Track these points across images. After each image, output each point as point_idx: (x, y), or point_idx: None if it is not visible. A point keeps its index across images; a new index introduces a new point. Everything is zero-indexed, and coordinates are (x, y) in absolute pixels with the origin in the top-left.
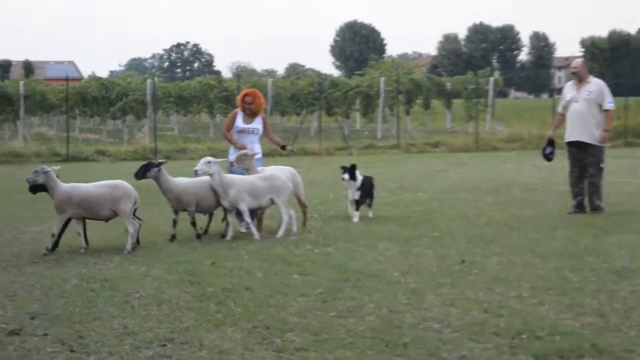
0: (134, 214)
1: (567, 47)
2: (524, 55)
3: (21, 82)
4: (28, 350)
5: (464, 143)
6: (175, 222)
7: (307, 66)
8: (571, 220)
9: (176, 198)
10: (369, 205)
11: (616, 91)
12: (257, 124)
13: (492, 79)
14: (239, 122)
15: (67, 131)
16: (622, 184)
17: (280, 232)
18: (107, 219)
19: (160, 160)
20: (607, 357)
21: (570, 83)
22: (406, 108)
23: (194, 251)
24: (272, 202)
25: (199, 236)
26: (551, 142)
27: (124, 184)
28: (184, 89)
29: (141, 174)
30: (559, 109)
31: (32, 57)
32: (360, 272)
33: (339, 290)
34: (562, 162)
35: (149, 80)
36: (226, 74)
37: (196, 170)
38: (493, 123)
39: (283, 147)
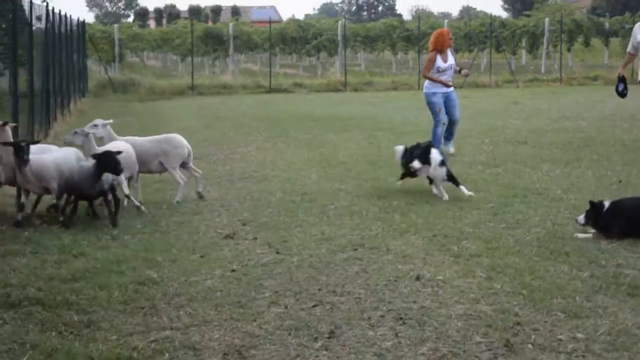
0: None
1: None
2: None
3: (230, 24)
4: (240, 252)
5: None
6: None
7: (479, 9)
8: None
9: None
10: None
11: None
12: (451, 60)
13: None
14: (440, 63)
15: (270, 66)
16: None
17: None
18: None
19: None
20: None
21: (639, 24)
22: (568, 46)
23: (380, 170)
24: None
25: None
26: (622, 80)
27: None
28: (370, 30)
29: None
30: (629, 48)
31: (238, 3)
32: (527, 190)
33: (508, 205)
34: None
35: (340, 22)
36: (406, 16)
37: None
38: None
39: (459, 71)
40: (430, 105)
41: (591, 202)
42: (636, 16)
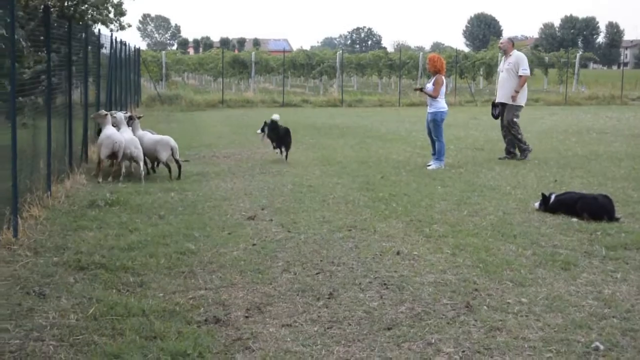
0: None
1: (633, 32)
2: (601, 38)
3: (252, 53)
4: (259, 230)
5: (556, 99)
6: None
7: (446, 44)
8: (633, 154)
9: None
10: None
11: None
12: (429, 83)
13: (578, 54)
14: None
15: (283, 86)
16: None
17: None
18: None
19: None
20: None
21: (499, 56)
22: None
23: (369, 169)
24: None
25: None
26: (496, 105)
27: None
28: (362, 59)
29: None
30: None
31: (259, 36)
32: (484, 186)
33: (468, 198)
34: (628, 112)
35: (338, 53)
36: (390, 49)
37: None
38: (578, 86)
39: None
40: None
41: (542, 194)
42: (570, 52)
